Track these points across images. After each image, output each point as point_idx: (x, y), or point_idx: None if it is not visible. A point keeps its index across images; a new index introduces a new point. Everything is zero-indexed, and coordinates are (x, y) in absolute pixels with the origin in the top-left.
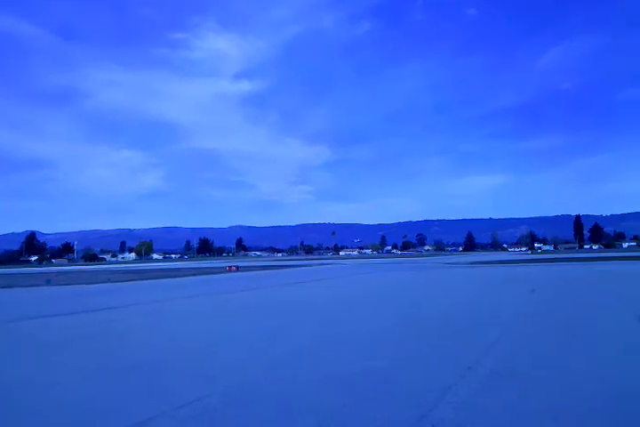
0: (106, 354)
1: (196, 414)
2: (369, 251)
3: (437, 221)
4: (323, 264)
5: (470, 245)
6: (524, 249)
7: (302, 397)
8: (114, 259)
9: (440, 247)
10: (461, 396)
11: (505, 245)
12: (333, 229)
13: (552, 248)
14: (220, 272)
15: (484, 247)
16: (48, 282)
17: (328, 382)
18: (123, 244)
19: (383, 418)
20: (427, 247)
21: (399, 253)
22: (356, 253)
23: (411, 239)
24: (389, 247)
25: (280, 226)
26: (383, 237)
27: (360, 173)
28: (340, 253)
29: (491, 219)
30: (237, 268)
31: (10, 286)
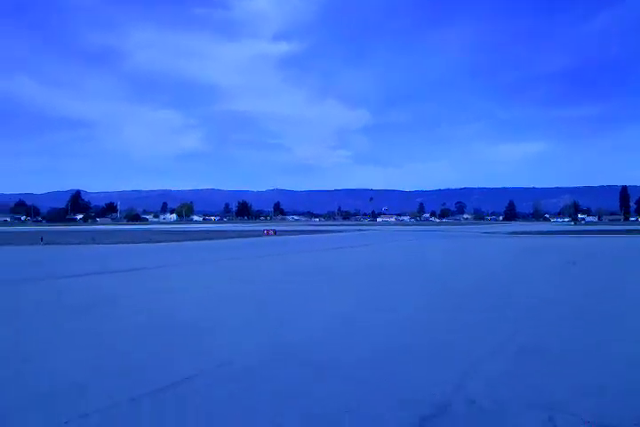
0: (151, 312)
1: (238, 373)
2: (407, 218)
3: (477, 188)
4: (360, 230)
5: (511, 214)
6: (566, 220)
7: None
8: (155, 219)
9: (479, 216)
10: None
11: (547, 216)
12: (371, 194)
13: (596, 219)
14: (259, 235)
15: (526, 217)
16: (92, 240)
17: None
18: (164, 205)
19: None
20: (465, 216)
21: (437, 220)
22: (393, 219)
23: (449, 207)
24: (427, 215)
25: (317, 190)
26: (421, 204)
27: (399, 138)
28: (378, 219)
29: (533, 188)
30: (275, 232)
31: (58, 243)
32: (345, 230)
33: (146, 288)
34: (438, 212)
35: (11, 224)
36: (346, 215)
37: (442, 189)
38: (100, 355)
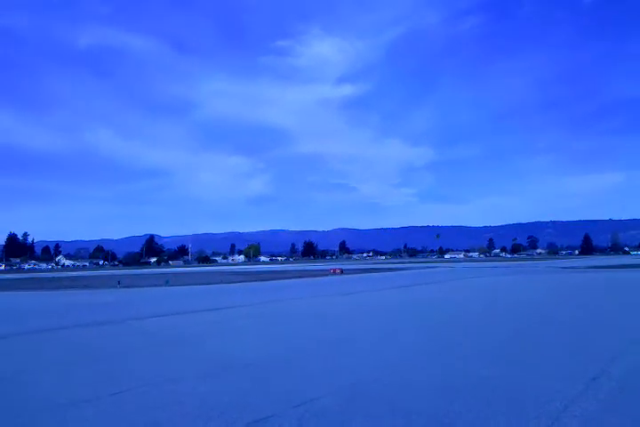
0: (224, 351)
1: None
2: (476, 254)
3: (550, 222)
4: (428, 267)
5: (587, 248)
6: None
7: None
8: (224, 260)
9: (553, 251)
10: None
11: (627, 248)
12: (438, 231)
13: None
14: (325, 275)
15: (603, 251)
16: (167, 282)
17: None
18: (232, 246)
19: None
20: (539, 250)
21: (508, 256)
22: (462, 256)
23: (521, 242)
24: (498, 250)
25: (383, 228)
26: (491, 240)
27: (465, 173)
28: (445, 255)
29: (610, 220)
30: (342, 271)
31: (135, 286)
32: (412, 268)
33: (227, 328)
34: (509, 247)
35: (90, 269)
36: (412, 252)
37: (511, 223)
38: (179, 392)
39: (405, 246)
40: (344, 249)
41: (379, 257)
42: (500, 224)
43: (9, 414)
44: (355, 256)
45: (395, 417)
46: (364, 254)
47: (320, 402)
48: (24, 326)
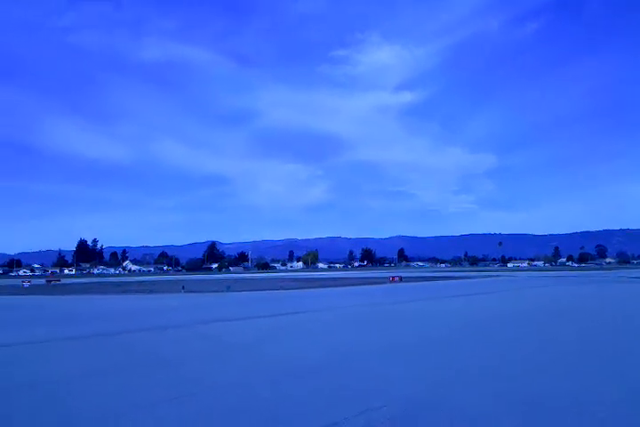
0: (287, 357)
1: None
2: (540, 263)
3: (620, 230)
4: (490, 276)
5: None
6: None
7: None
8: (283, 267)
9: (624, 260)
10: None
11: None
12: (499, 239)
13: None
14: (384, 282)
15: None
16: (228, 288)
17: None
18: (291, 253)
19: None
20: (608, 260)
21: (575, 265)
22: (525, 264)
23: (589, 251)
24: (564, 259)
25: (442, 236)
26: (556, 248)
27: (527, 180)
28: (508, 264)
29: None
30: (401, 278)
31: (198, 291)
32: (474, 276)
33: (289, 333)
34: (576, 256)
35: (155, 274)
36: (473, 261)
37: (578, 231)
38: (242, 398)
39: (466, 255)
40: (402, 257)
41: (438, 265)
42: (566, 232)
43: (58, 423)
44: (413, 264)
45: None
46: (421, 263)
47: (383, 411)
48: (93, 328)
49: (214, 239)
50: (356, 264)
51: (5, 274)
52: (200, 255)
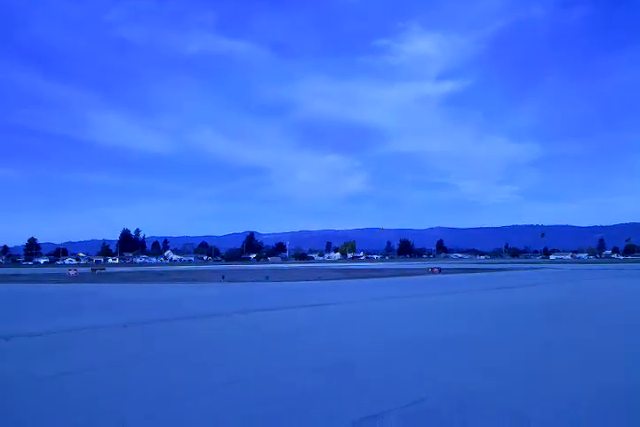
0: (326, 348)
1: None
2: (584, 255)
3: None
4: (533, 268)
5: None
6: None
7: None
8: (320, 258)
9: None
10: None
11: None
12: (542, 230)
13: None
14: (423, 274)
15: None
16: (267, 278)
17: None
18: (328, 244)
19: None
20: None
21: (621, 257)
22: (568, 257)
23: (635, 242)
24: (609, 251)
25: (482, 227)
26: (601, 240)
27: (573, 170)
28: (551, 256)
29: None
30: (440, 270)
31: (237, 281)
32: (515, 268)
33: (329, 324)
34: (621, 248)
35: (195, 263)
36: (514, 253)
37: (625, 223)
38: (279, 388)
39: (507, 246)
40: (441, 248)
41: (478, 257)
42: (611, 224)
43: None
44: (452, 255)
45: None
46: (460, 255)
47: (426, 403)
48: (139, 316)
49: (252, 230)
50: (394, 255)
51: (52, 263)
52: (238, 245)
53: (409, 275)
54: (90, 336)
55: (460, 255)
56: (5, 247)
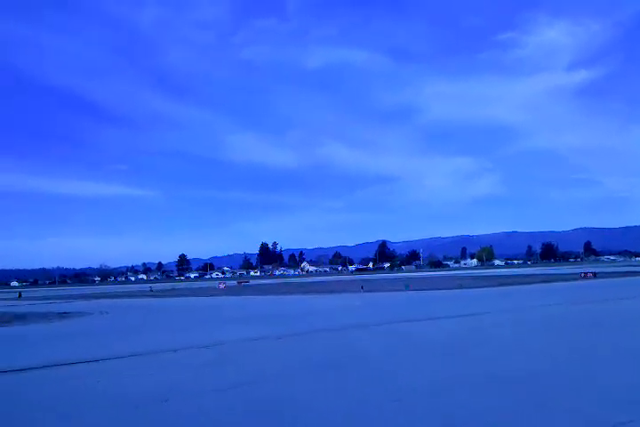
0: (490, 361)
1: None
2: None
3: None
4: None
5: None
6: None
7: None
8: (456, 265)
9: None
10: None
11: None
12: None
13: None
14: (575, 279)
15: None
16: (407, 287)
17: None
18: (463, 250)
19: None
20: None
21: None
22: None
23: None
24: None
25: (634, 226)
26: None
27: None
28: None
29: None
30: (594, 274)
31: (377, 291)
32: None
33: (487, 335)
34: None
35: (330, 274)
36: None
37: None
38: (445, 404)
39: None
40: (589, 250)
41: (633, 259)
42: None
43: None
44: (603, 258)
45: None
46: (612, 257)
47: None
48: (307, 326)
49: (383, 238)
50: (536, 260)
51: (201, 277)
52: (370, 255)
53: (559, 280)
54: (257, 346)
55: (611, 258)
56: (160, 264)
